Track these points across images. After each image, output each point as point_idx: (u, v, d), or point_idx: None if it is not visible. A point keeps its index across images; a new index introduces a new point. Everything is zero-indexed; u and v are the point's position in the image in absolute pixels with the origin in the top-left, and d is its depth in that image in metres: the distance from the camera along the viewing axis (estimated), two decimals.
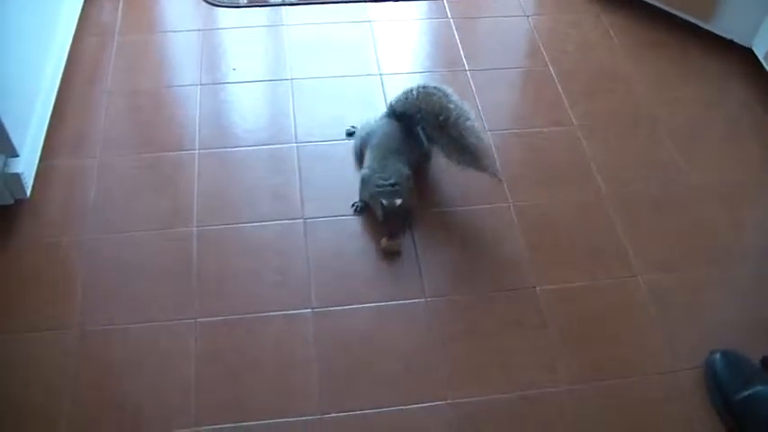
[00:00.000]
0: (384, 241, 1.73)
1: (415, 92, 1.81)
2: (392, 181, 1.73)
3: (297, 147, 1.96)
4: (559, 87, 2.16)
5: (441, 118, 1.76)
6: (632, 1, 2.40)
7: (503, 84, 2.21)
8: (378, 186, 1.72)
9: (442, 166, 1.92)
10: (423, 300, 1.67)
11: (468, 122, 1.76)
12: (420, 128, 1.83)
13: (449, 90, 1.81)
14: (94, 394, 1.50)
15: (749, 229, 1.92)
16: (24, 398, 1.49)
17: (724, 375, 1.53)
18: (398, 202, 1.69)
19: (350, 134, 1.98)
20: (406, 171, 1.77)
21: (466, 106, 1.79)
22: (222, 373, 1.54)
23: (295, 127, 2.01)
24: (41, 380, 1.51)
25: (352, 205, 1.82)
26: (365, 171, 1.79)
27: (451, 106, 1.76)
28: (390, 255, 1.74)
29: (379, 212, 1.71)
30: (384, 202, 1.69)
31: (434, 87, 1.81)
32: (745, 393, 1.48)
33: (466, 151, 1.75)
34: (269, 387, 1.53)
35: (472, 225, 1.84)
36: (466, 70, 2.20)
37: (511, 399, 1.53)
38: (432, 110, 1.77)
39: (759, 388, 1.48)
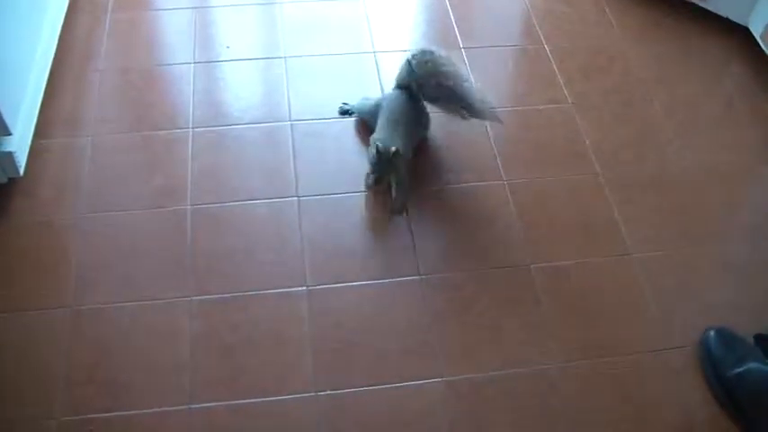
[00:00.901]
0: (368, 176, 1.78)
1: (408, 63, 1.82)
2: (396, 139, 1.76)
3: (291, 125, 1.96)
4: (555, 66, 2.15)
5: (433, 82, 1.80)
6: None
7: (498, 62, 2.19)
8: (378, 136, 1.76)
9: (438, 144, 1.91)
10: (417, 277, 1.67)
11: (466, 84, 1.79)
12: (422, 94, 1.85)
13: (442, 55, 1.82)
14: (88, 373, 1.50)
15: (744, 208, 1.92)
16: (18, 378, 1.49)
17: (718, 352, 1.53)
18: (393, 149, 1.70)
19: (343, 112, 1.98)
20: (408, 152, 1.80)
21: (461, 70, 1.83)
22: (216, 351, 1.54)
23: (289, 105, 2.00)
24: (35, 359, 1.51)
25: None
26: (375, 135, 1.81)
27: (444, 70, 1.79)
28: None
29: (373, 152, 1.72)
30: (379, 145, 1.71)
31: (430, 53, 1.82)
32: (739, 370, 1.49)
33: (466, 109, 1.79)
34: (263, 365, 1.53)
35: (467, 203, 1.84)
36: (461, 48, 2.19)
37: (505, 376, 1.53)
38: (427, 77, 1.80)
39: (752, 365, 1.49)
